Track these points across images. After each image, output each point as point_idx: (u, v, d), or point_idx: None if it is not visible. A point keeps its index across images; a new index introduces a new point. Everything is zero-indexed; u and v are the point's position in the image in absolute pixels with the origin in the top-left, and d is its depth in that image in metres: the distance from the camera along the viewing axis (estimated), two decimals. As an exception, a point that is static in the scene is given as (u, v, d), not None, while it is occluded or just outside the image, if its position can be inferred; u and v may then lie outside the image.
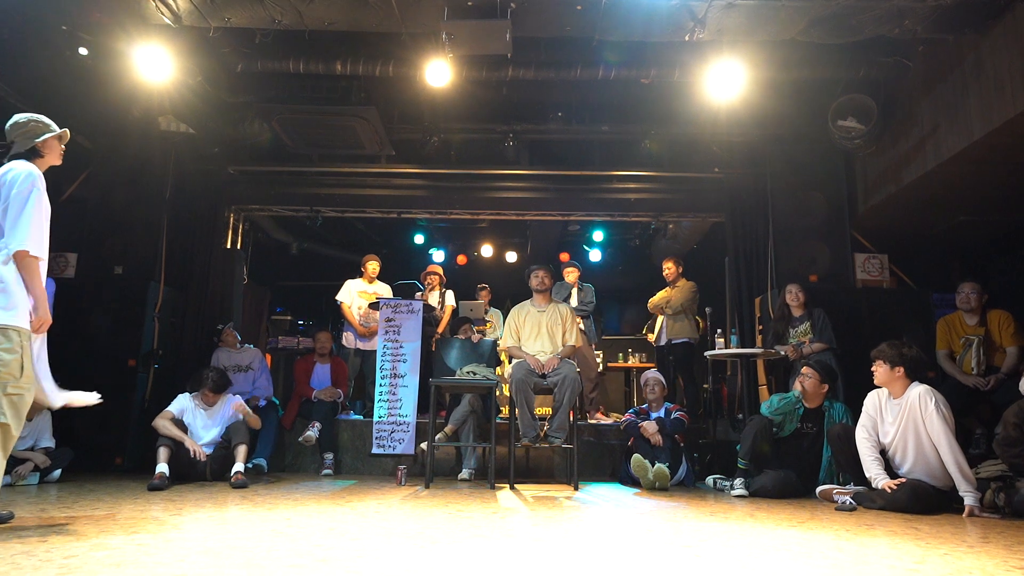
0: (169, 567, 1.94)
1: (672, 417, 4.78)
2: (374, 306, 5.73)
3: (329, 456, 5.16)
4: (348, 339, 6.20)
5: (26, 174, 2.67)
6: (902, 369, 3.62)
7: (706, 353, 5.26)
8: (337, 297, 6.29)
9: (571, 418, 4.45)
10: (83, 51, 4.60)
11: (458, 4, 4.15)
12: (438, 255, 9.89)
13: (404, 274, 7.05)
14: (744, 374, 5.61)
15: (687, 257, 7.49)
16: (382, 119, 5.59)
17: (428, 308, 5.87)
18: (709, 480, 4.67)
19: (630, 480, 4.63)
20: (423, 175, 6.64)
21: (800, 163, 5.94)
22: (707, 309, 5.76)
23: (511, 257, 10.25)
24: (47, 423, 4.46)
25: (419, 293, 6.46)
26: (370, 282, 6.37)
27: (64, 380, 4.70)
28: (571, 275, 6.36)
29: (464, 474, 4.89)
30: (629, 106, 6.05)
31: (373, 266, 6.39)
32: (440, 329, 6.29)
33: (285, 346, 7.50)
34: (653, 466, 4.41)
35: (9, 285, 2.58)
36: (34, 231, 2.62)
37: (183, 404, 4.54)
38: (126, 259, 5.76)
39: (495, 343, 5.09)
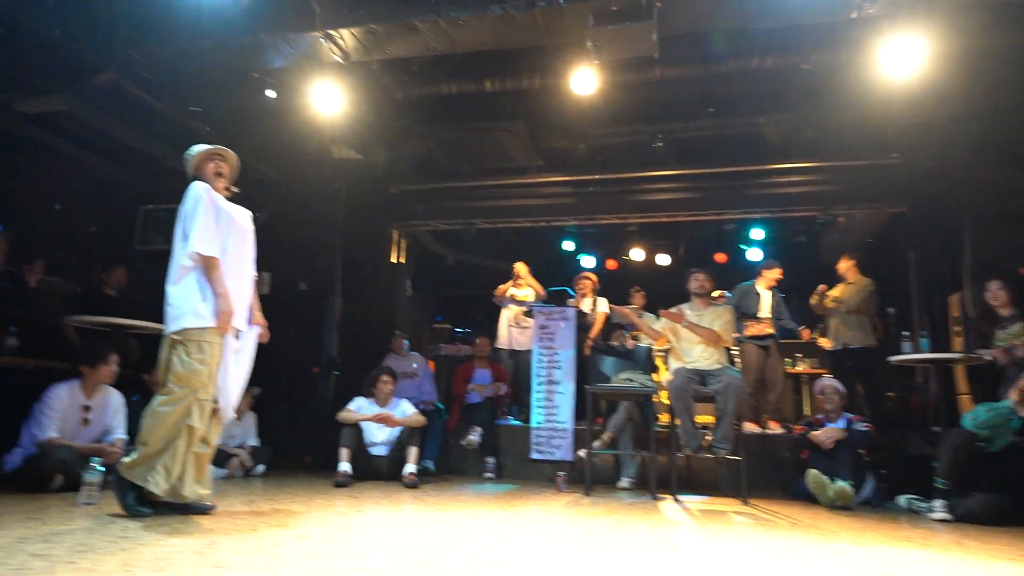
0: (356, 560, 2.12)
1: (857, 428, 4.36)
2: (528, 314, 5.86)
3: (491, 460, 5.35)
4: (501, 339, 6.39)
5: (188, 192, 3.01)
6: None
7: (892, 358, 4.74)
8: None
9: (736, 427, 4.22)
10: (271, 94, 5.19)
11: (602, 9, 4.11)
12: (588, 261, 9.84)
13: (554, 280, 7.13)
14: (939, 381, 4.98)
15: (861, 252, 6.81)
16: (529, 130, 5.71)
17: (580, 315, 5.88)
18: (901, 500, 4.20)
19: (805, 496, 4.29)
20: (570, 182, 6.67)
21: (1000, 141, 5.17)
22: (889, 310, 5.20)
23: (663, 260, 9.96)
24: (252, 424, 5.08)
25: (571, 300, 6.50)
26: (520, 287, 6.53)
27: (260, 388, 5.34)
28: (772, 273, 5.77)
29: (624, 482, 4.83)
30: (786, 94, 5.62)
31: (521, 270, 6.56)
32: (593, 334, 6.28)
33: (447, 353, 7.89)
34: (833, 482, 4.06)
35: (192, 293, 2.89)
36: (200, 232, 2.90)
37: (359, 404, 4.93)
38: (309, 276, 6.41)
39: (650, 349, 4.98)
